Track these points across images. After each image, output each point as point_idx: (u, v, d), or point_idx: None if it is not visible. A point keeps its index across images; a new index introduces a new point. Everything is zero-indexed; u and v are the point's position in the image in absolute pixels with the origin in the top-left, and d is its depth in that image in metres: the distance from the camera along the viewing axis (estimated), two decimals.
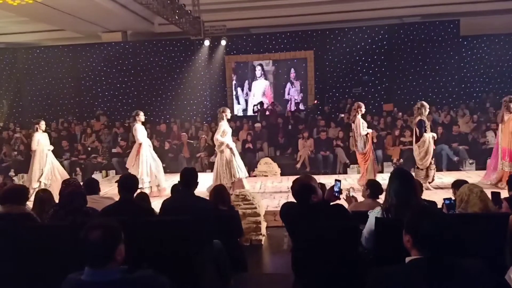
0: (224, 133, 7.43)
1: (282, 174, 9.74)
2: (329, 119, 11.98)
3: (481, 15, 12.60)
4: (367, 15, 12.87)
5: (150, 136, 11.92)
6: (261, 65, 13.87)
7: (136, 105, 13.74)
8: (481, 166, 9.77)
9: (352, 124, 7.68)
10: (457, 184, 3.88)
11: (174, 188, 4.69)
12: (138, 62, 13.69)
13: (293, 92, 14.07)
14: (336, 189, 3.13)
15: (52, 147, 8.10)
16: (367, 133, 7.47)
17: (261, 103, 13.66)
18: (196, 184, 3.82)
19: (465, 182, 3.73)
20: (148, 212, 3.61)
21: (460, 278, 1.86)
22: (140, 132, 7.59)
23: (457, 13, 12.61)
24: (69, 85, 13.94)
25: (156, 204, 4.38)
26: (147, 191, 7.06)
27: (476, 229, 2.71)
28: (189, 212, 3.37)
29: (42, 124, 7.89)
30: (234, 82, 13.97)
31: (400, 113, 12.01)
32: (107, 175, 10.78)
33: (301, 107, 13.80)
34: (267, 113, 13.26)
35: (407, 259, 1.96)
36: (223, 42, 13.08)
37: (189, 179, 3.78)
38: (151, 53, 13.66)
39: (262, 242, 5.61)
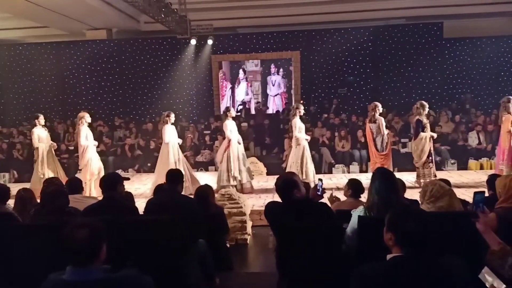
0: (300, 130, 7.57)
1: (268, 174, 9.78)
2: (315, 119, 12.05)
3: (464, 18, 12.84)
4: (353, 17, 12.99)
5: (135, 135, 11.88)
6: None
7: (121, 104, 13.65)
8: (462, 166, 9.98)
9: (371, 124, 7.68)
10: None
11: (157, 188, 4.64)
12: (123, 61, 13.53)
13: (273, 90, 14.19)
14: (318, 188, 3.20)
15: (181, 140, 7.97)
16: (388, 133, 7.62)
17: (244, 102, 13.68)
18: (181, 183, 3.84)
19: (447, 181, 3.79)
20: (132, 211, 3.59)
21: (440, 275, 1.90)
22: (230, 128, 7.52)
23: (440, 15, 12.82)
24: (52, 83, 13.68)
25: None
26: (238, 188, 7.13)
27: (456, 227, 2.77)
28: (174, 211, 3.37)
29: (172, 117, 7.66)
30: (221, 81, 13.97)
31: (389, 114, 12.12)
32: None
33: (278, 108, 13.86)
34: (252, 112, 13.25)
35: (388, 256, 1.99)
36: (210, 42, 13.03)
37: (174, 178, 3.82)
38: (136, 51, 13.51)
39: (248, 241, 5.63)
